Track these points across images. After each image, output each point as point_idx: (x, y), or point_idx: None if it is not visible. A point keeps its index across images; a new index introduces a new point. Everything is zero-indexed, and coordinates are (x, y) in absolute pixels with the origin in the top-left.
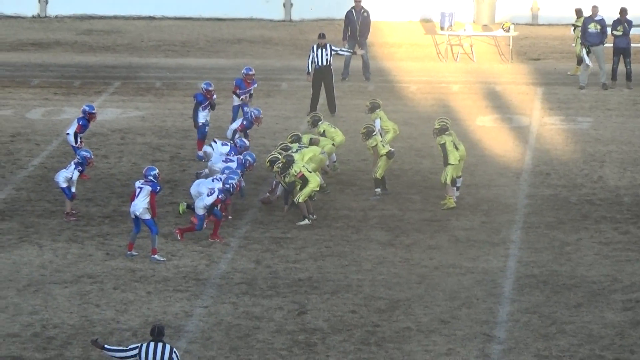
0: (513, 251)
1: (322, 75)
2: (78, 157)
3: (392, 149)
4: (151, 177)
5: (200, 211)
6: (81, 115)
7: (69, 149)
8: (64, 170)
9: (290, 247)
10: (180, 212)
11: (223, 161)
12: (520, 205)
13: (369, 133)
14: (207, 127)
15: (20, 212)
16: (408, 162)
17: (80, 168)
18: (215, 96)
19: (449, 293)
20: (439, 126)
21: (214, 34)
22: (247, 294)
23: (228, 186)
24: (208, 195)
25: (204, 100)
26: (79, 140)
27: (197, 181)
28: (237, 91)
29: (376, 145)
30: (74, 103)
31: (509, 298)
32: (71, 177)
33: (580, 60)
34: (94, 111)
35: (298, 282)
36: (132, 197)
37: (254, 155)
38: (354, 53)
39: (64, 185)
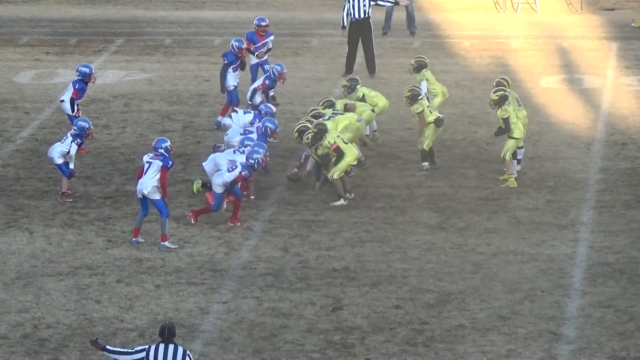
0: (584, 235)
1: (359, 30)
2: (75, 128)
3: (440, 116)
4: (162, 150)
5: (218, 189)
6: (77, 77)
7: (64, 118)
8: (59, 143)
9: (323, 232)
10: (195, 191)
11: (241, 134)
12: (592, 181)
13: (414, 97)
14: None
15: (8, 192)
16: (461, 130)
17: (78, 140)
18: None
19: (508, 284)
20: (497, 97)
21: None
22: (273, 287)
23: (252, 161)
24: (229, 171)
25: (235, 59)
26: (75, 107)
27: (213, 155)
28: (251, 47)
29: (422, 111)
30: (70, 64)
31: (579, 290)
32: (68, 152)
33: None
34: (92, 72)
35: (332, 272)
36: (139, 173)
37: (276, 121)
38: (397, 3)
39: (60, 161)
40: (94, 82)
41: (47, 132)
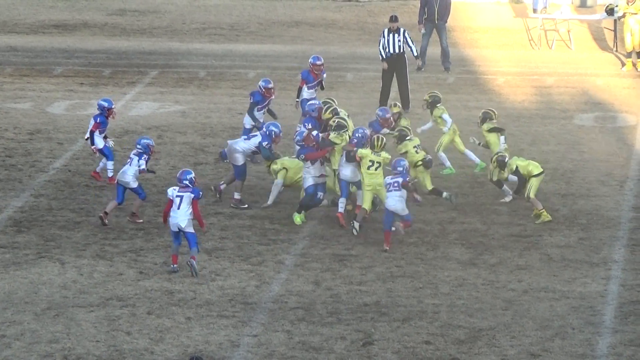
0: (615, 273)
1: (393, 65)
2: (139, 146)
3: (428, 156)
4: (187, 182)
5: (238, 159)
6: (98, 112)
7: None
8: (127, 166)
9: (354, 266)
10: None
11: (245, 139)
12: (625, 219)
13: (401, 137)
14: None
15: (40, 222)
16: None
17: (145, 157)
18: (274, 95)
19: (539, 321)
20: (500, 159)
21: (267, 15)
22: (304, 320)
23: (268, 132)
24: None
25: (262, 100)
26: (99, 138)
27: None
28: (304, 85)
29: (407, 152)
30: (103, 96)
31: (611, 328)
32: (142, 169)
33: None
34: (112, 106)
35: (363, 307)
36: (167, 208)
37: (280, 125)
38: (417, 57)
39: (135, 184)
40: (113, 117)
41: (80, 163)
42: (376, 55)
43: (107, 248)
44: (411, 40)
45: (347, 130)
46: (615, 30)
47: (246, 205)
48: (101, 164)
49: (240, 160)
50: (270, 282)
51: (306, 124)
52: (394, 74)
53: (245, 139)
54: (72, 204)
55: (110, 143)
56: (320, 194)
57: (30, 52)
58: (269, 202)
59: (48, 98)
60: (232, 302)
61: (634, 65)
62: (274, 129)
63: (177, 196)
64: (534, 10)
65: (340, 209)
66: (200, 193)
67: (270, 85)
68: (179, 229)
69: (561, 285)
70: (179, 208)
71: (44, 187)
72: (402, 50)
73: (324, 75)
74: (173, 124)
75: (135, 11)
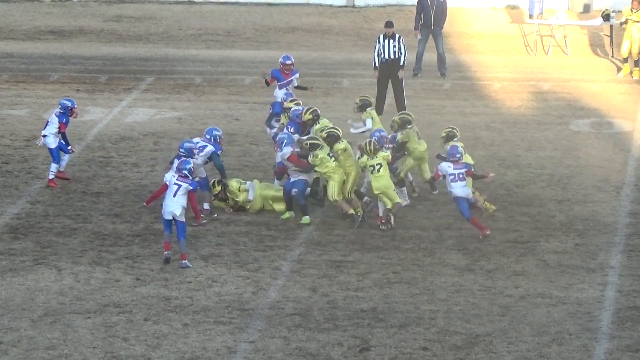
0: (612, 278)
1: (389, 71)
2: (181, 149)
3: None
4: (186, 172)
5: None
6: (61, 111)
7: (93, 156)
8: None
9: (351, 273)
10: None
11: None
12: (621, 225)
13: (403, 123)
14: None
15: (36, 229)
16: None
17: (217, 148)
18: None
19: (536, 327)
20: (399, 120)
21: (263, 21)
22: (301, 327)
23: (214, 137)
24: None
25: (280, 112)
26: (54, 137)
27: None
28: (274, 83)
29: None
30: (100, 102)
31: (608, 334)
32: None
33: None
34: (75, 106)
35: (360, 313)
36: (160, 191)
37: (219, 128)
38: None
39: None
40: (75, 116)
41: (76, 169)
42: (372, 61)
43: (103, 254)
44: (404, 48)
45: (321, 148)
46: (611, 36)
47: (215, 215)
48: (63, 163)
49: (203, 172)
50: (267, 289)
51: (289, 127)
52: (389, 80)
53: (199, 152)
54: (69, 211)
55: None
56: (295, 190)
57: (27, 58)
58: (250, 197)
59: (44, 104)
60: (229, 309)
61: (631, 72)
62: (216, 133)
63: (175, 184)
64: (530, 16)
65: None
66: (197, 186)
67: (289, 62)
68: (173, 217)
69: (558, 291)
70: (174, 196)
71: (40, 193)
72: (397, 56)
73: (296, 74)
74: (169, 131)
75: (131, 17)
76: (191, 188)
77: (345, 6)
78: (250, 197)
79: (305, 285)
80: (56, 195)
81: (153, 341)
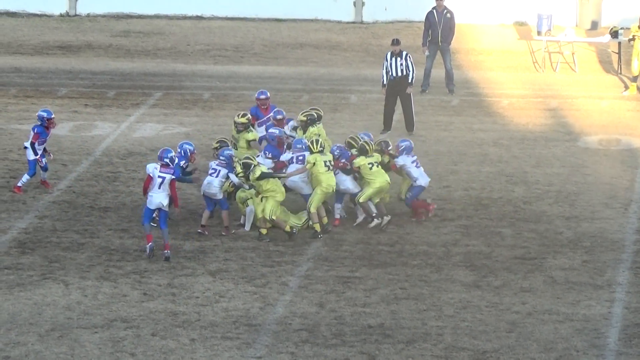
0: (620, 295)
1: (397, 88)
2: (221, 157)
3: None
4: (167, 160)
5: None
6: (38, 122)
7: (101, 171)
8: (212, 177)
9: (358, 288)
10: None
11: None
12: (629, 242)
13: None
14: None
15: (44, 244)
16: (497, 189)
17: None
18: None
19: (543, 344)
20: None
21: (271, 36)
22: (308, 342)
23: (184, 150)
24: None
25: (259, 114)
26: (39, 152)
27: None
28: (256, 123)
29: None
30: (108, 117)
31: (615, 350)
32: (227, 181)
33: None
34: (52, 116)
35: (367, 329)
36: (147, 183)
37: (192, 143)
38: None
39: (221, 196)
40: (53, 127)
41: (84, 184)
42: (380, 77)
43: (111, 269)
44: (412, 65)
45: (253, 167)
46: (619, 53)
47: (206, 232)
48: (44, 173)
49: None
50: (274, 304)
51: (266, 153)
52: (398, 97)
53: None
54: (77, 225)
55: (50, 157)
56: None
57: (35, 73)
58: (246, 228)
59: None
60: (236, 324)
61: (639, 90)
62: (188, 147)
63: (159, 176)
64: (538, 33)
65: (337, 215)
66: (180, 173)
67: (263, 97)
68: (159, 207)
69: (565, 307)
70: (159, 188)
71: (48, 208)
72: (405, 74)
73: (277, 114)
74: (177, 146)
75: (139, 32)
76: (173, 177)
77: (354, 22)
78: (247, 228)
79: (313, 300)
80: (64, 210)
81: (160, 356)
